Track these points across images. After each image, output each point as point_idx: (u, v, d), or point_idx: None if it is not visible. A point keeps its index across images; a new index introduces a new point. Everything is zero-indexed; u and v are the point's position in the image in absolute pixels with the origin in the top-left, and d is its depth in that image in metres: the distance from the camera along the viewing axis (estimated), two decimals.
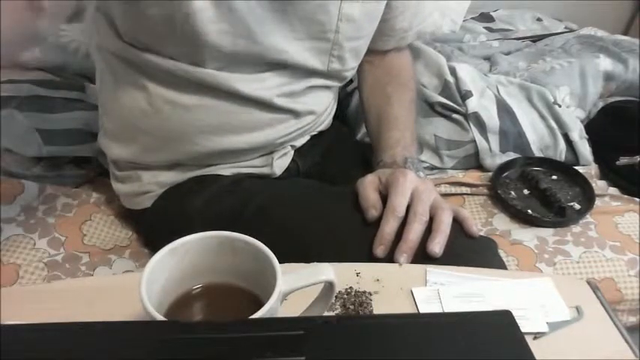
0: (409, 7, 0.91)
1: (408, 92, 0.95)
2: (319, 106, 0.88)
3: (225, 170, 0.86)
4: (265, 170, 0.88)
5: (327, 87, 0.88)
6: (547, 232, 1.04)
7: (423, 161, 1.16)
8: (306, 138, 0.92)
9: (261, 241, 0.48)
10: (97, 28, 0.81)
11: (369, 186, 0.74)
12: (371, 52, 0.93)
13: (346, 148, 1.05)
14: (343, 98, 1.26)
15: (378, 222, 0.71)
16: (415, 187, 0.72)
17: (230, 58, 0.75)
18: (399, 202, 0.70)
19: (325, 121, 0.96)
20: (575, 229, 1.05)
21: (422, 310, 0.57)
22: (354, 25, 0.81)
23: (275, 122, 0.83)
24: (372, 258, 0.67)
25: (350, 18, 0.80)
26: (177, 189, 0.85)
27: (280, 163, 0.89)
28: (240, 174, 0.86)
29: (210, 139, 0.81)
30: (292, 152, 0.90)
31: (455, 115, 1.20)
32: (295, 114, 0.84)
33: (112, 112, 0.85)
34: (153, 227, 0.88)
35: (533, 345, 0.51)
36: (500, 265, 0.75)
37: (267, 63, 0.78)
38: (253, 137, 0.83)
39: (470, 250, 0.72)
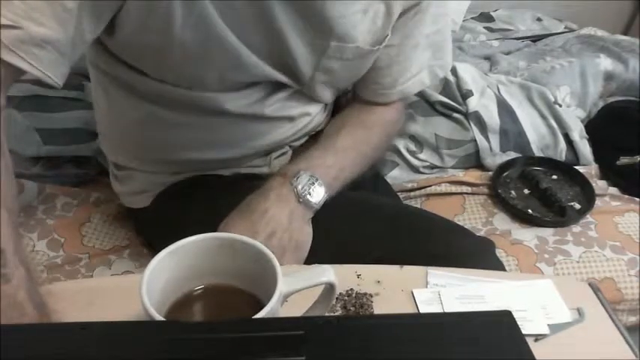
0: (396, 63, 0.83)
1: (365, 131, 0.85)
2: (312, 108, 0.86)
3: (224, 171, 0.86)
4: (264, 170, 0.88)
5: None
6: (547, 232, 1.04)
7: (423, 160, 1.16)
8: (305, 138, 0.91)
9: None
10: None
11: None
12: (357, 97, 0.88)
13: None
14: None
15: (373, 222, 0.73)
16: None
17: (211, 82, 0.74)
18: None
19: (323, 121, 0.94)
20: (576, 228, 1.05)
21: (422, 312, 0.57)
22: (332, 76, 0.79)
23: (270, 129, 0.82)
24: (371, 260, 0.68)
25: (328, 70, 0.78)
26: (175, 188, 0.85)
27: (278, 163, 0.88)
28: (238, 174, 0.86)
29: (206, 152, 0.82)
30: (290, 152, 0.90)
31: (455, 114, 1.19)
32: (290, 118, 0.84)
33: (106, 122, 0.86)
34: (152, 225, 0.89)
35: (534, 347, 0.50)
36: (498, 265, 0.75)
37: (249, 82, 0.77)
38: (249, 146, 0.83)
39: (467, 251, 0.72)
